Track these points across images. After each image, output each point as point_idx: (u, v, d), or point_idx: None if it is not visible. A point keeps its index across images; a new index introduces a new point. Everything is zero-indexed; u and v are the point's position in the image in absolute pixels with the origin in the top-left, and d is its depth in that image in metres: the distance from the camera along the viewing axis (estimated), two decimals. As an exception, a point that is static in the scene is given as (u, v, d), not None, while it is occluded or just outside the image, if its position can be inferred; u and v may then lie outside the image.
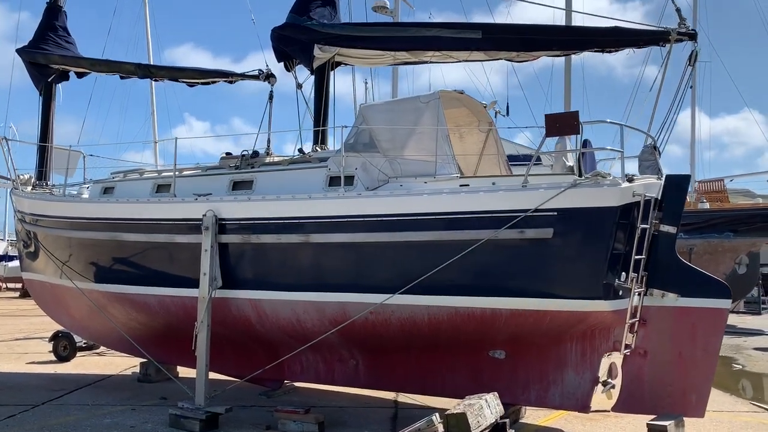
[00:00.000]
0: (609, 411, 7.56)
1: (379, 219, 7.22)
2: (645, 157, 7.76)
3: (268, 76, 9.58)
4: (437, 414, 6.27)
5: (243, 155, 9.00)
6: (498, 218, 6.77)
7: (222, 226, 8.08)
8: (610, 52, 8.45)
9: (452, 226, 6.94)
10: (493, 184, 7.13)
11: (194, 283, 8.31)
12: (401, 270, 7.22)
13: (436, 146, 7.45)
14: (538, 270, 6.83)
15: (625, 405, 7.42)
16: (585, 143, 7.69)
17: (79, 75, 12.27)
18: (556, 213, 6.63)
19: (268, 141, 9.55)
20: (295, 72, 9.79)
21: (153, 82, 35.02)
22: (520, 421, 8.11)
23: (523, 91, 38.58)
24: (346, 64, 9.94)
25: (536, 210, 6.65)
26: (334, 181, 8.08)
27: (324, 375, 8.91)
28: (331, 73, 9.75)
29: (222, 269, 8.11)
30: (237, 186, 8.77)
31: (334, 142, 9.75)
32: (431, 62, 9.45)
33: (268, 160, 9.27)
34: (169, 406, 8.80)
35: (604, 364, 7.51)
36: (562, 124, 6.61)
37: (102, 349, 13.50)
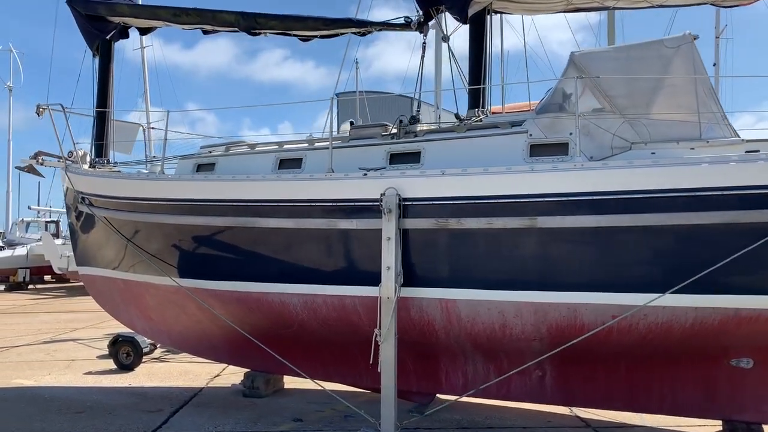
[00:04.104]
0: None
1: (642, 197, 5.59)
2: None
3: (421, 25, 7.78)
4: None
5: (401, 121, 7.27)
6: None
7: (404, 207, 6.38)
8: None
9: (749, 204, 5.37)
10: None
11: (360, 280, 6.64)
12: (669, 261, 5.63)
13: (698, 102, 5.86)
14: None
15: None
16: None
17: (143, 31, 10.30)
18: None
19: (419, 104, 7.82)
20: (445, 20, 8.07)
21: (143, 56, 32.50)
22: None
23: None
24: (498, 12, 8.24)
25: None
26: (537, 150, 6.45)
27: (496, 388, 7.31)
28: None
29: (402, 262, 6.42)
30: (396, 159, 7.07)
31: (488, 102, 8.07)
32: (614, 8, 7.82)
33: (419, 128, 7.57)
34: (311, 431, 7.18)
35: None
36: None
37: (158, 353, 11.68)
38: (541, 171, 5.93)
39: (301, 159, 7.51)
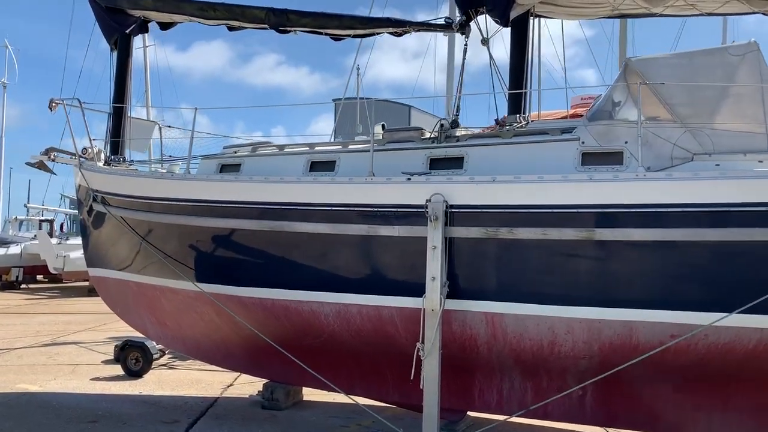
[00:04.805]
0: None
1: (709, 210, 5.30)
2: None
3: (462, 26, 7.48)
4: None
5: (442, 125, 6.97)
6: None
7: (451, 215, 6.06)
8: None
9: None
10: None
11: (399, 290, 6.32)
12: (736, 279, 5.34)
13: (766, 112, 5.59)
14: None
15: None
16: None
17: (164, 26, 9.93)
18: None
19: (458, 109, 7.52)
20: (485, 23, 7.79)
21: (145, 54, 31.87)
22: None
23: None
24: (540, 15, 7.96)
25: None
26: (589, 159, 6.16)
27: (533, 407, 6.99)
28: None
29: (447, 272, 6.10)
30: (437, 164, 6.76)
31: (529, 107, 7.79)
32: (662, 15, 7.56)
33: (458, 132, 7.27)
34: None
35: None
36: None
37: (165, 359, 11.27)
38: (601, 180, 5.64)
39: (335, 162, 7.19)
